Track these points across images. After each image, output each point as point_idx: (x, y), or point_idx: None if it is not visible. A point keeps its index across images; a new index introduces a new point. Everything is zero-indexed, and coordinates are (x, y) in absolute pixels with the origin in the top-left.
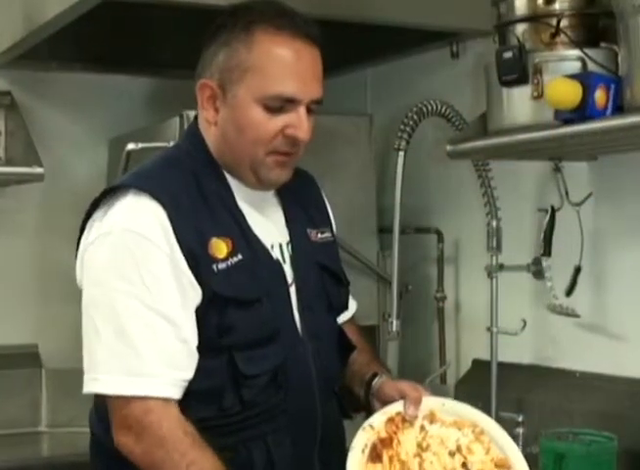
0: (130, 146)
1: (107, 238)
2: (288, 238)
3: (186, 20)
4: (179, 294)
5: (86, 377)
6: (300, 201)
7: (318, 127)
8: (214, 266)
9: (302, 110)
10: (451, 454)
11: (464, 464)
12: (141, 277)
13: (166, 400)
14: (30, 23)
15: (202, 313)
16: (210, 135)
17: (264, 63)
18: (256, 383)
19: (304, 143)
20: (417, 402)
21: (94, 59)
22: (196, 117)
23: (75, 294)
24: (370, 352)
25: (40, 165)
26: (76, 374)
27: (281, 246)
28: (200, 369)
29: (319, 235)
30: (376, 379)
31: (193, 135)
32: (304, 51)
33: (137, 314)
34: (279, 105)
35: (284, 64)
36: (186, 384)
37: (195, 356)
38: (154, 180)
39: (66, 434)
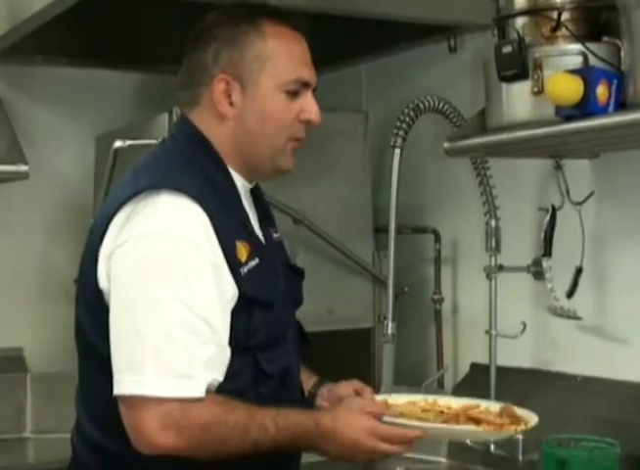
0: (118, 143)
1: (144, 238)
2: (262, 237)
3: (174, 13)
4: (219, 298)
5: (121, 378)
6: (260, 200)
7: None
8: (241, 270)
9: (311, 94)
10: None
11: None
12: (185, 280)
13: (200, 399)
14: (15, 17)
15: (232, 316)
16: (221, 132)
17: (280, 51)
18: (272, 383)
19: (313, 127)
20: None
21: (80, 53)
22: (183, 118)
23: (63, 295)
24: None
25: (25, 163)
26: (63, 378)
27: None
28: (227, 373)
29: (275, 235)
30: (323, 385)
31: (192, 135)
32: (303, 40)
33: (181, 318)
34: (297, 89)
35: (296, 51)
36: (216, 385)
37: (227, 361)
38: (183, 179)
39: (51, 440)
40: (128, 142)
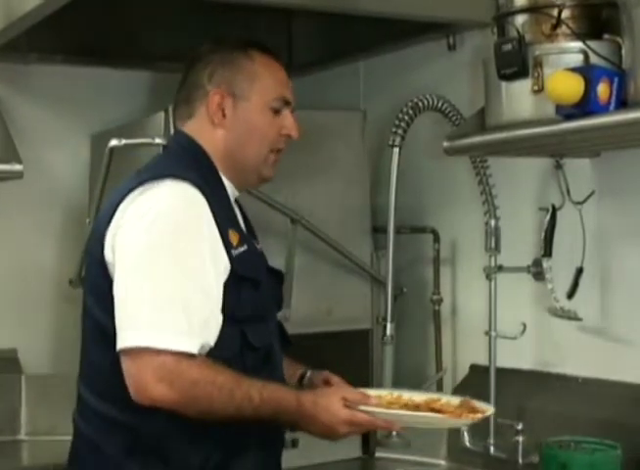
0: (113, 142)
1: (147, 214)
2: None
3: (172, 11)
4: (214, 270)
5: (122, 334)
6: (243, 212)
7: (309, 123)
8: (233, 251)
9: (290, 111)
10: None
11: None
12: (184, 250)
13: (192, 356)
14: (9, 15)
15: (225, 290)
16: (214, 140)
17: (267, 74)
18: (256, 356)
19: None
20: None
21: (76, 51)
22: (178, 131)
23: (57, 296)
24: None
25: (19, 162)
26: (57, 380)
27: None
28: (217, 340)
29: (257, 245)
30: (307, 374)
31: (188, 144)
32: (284, 69)
33: (179, 282)
34: (280, 107)
35: (279, 75)
36: (207, 349)
37: (219, 326)
38: (185, 172)
39: (46, 442)
40: (124, 141)
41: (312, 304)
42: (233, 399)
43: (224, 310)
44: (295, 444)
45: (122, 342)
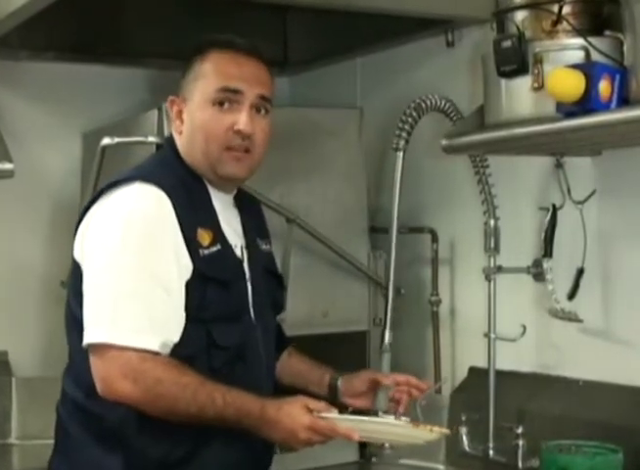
0: (106, 140)
1: (113, 217)
2: (244, 243)
3: (163, 7)
4: (177, 269)
5: (88, 330)
6: (251, 214)
7: (304, 121)
8: (201, 251)
9: (247, 105)
10: None
11: None
12: (147, 249)
13: (157, 354)
14: (0, 10)
15: (188, 289)
16: (180, 145)
17: (214, 70)
18: (224, 355)
19: (255, 138)
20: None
21: (67, 48)
22: (170, 134)
23: (48, 297)
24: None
25: (10, 161)
26: (48, 383)
27: (241, 248)
28: (180, 338)
29: (264, 246)
30: (339, 379)
31: (171, 148)
32: (247, 61)
33: (142, 281)
34: (223, 98)
35: (230, 68)
36: (171, 346)
37: (181, 324)
38: (155, 175)
39: (37, 446)
40: (117, 139)
41: (308, 305)
42: (196, 399)
43: (188, 309)
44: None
45: (86, 337)
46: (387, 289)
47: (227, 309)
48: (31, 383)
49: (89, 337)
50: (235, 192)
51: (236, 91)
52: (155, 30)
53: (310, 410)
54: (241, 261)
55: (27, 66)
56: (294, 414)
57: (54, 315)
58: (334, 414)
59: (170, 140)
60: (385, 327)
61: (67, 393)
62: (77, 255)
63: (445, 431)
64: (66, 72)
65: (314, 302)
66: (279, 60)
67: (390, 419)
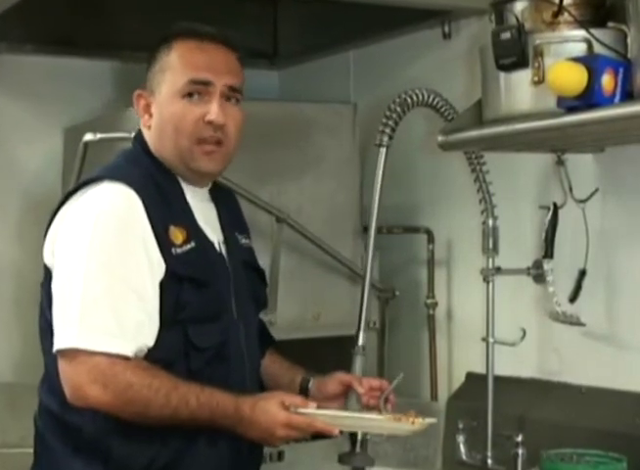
0: (88, 136)
1: (83, 217)
2: (222, 238)
3: None
4: (148, 270)
5: (57, 335)
6: (228, 209)
7: (296, 117)
8: (173, 250)
9: (217, 95)
10: None
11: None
12: (116, 251)
13: (127, 359)
14: None
15: (162, 291)
16: (149, 140)
17: (180, 60)
18: (204, 356)
19: (227, 129)
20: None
21: (47, 40)
22: (139, 129)
23: (28, 299)
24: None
25: None
26: (28, 390)
27: (219, 243)
28: (156, 341)
29: (243, 240)
30: (310, 382)
31: (140, 144)
32: (214, 49)
33: (110, 285)
34: (191, 90)
35: (198, 58)
36: (145, 351)
37: (156, 328)
38: (124, 172)
39: (16, 455)
40: (99, 135)
41: (299, 307)
42: (169, 402)
43: (163, 311)
44: (280, 456)
45: (56, 343)
46: (362, 289)
47: (205, 309)
48: (11, 389)
49: (58, 342)
50: (210, 186)
51: (205, 83)
52: (137, 23)
53: (287, 406)
54: (222, 257)
55: (6, 59)
56: (270, 412)
57: (30, 319)
58: (312, 409)
59: (139, 136)
60: (359, 329)
61: (43, 403)
62: (48, 260)
63: (429, 420)
64: (45, 66)
65: (305, 304)
66: (269, 52)
67: (372, 414)
